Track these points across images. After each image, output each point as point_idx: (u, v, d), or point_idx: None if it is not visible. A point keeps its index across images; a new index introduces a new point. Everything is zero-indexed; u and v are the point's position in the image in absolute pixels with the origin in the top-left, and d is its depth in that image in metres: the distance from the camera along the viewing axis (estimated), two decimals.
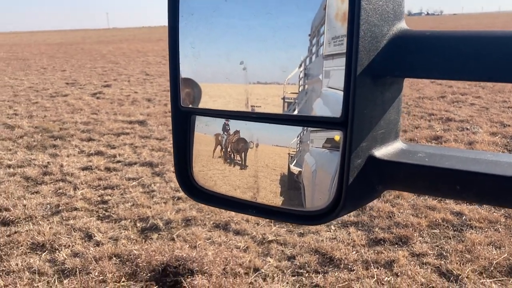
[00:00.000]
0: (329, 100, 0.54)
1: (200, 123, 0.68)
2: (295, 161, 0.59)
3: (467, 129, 7.20)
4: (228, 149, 0.67)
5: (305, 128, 0.58)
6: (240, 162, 0.66)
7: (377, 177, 0.54)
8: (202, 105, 0.66)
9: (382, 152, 0.54)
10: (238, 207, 0.65)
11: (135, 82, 14.37)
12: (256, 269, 3.43)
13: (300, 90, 0.56)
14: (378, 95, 0.53)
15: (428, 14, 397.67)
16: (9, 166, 6.22)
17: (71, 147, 7.11)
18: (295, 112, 0.57)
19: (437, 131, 7.09)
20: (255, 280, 3.28)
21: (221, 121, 0.66)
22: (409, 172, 0.53)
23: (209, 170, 0.69)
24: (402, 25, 0.53)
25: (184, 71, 0.65)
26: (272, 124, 0.60)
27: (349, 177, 0.52)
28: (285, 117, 0.58)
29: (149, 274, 3.43)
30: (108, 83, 14.35)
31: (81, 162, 6.29)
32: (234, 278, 3.29)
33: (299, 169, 0.59)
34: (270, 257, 3.61)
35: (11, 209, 4.69)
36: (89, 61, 23.41)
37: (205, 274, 3.34)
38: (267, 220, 4.12)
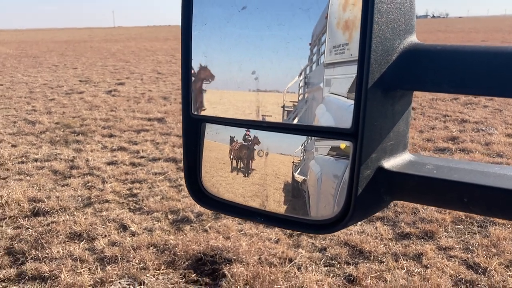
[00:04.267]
0: (332, 108, 0.55)
1: (211, 130, 0.69)
2: (299, 170, 0.60)
3: (482, 130, 7.32)
4: (231, 157, 0.68)
5: (310, 136, 0.59)
6: (244, 170, 0.67)
7: (385, 188, 0.55)
8: (213, 113, 0.67)
9: (391, 163, 0.55)
10: (246, 214, 0.66)
11: (148, 81, 14.53)
12: (289, 259, 3.57)
13: (300, 98, 0.57)
14: (388, 108, 0.53)
15: (433, 16, 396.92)
16: (35, 160, 6.38)
17: (93, 142, 7.27)
18: (295, 121, 0.58)
19: (453, 132, 7.21)
20: (290, 270, 3.42)
21: (232, 129, 0.67)
22: (417, 184, 0.53)
23: (217, 177, 0.70)
24: (413, 38, 0.53)
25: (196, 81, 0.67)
26: (277, 133, 0.61)
27: (358, 187, 0.52)
28: (295, 127, 0.58)
29: (186, 263, 3.58)
30: (121, 81, 14.52)
31: (106, 157, 6.45)
32: (270, 267, 3.43)
33: (303, 177, 0.59)
34: (302, 249, 3.75)
35: (45, 200, 4.85)
36: (99, 59, 23.62)
37: (242, 263, 3.48)
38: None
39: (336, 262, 3.57)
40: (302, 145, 0.59)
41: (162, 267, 3.54)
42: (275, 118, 0.60)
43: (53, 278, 3.42)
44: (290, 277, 3.31)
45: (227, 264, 3.49)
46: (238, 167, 0.67)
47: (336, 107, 0.54)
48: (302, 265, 3.49)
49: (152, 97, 11.37)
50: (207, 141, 0.69)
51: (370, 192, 0.53)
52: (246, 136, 0.66)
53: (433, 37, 35.47)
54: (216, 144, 0.69)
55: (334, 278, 3.34)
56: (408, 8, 0.53)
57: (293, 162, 0.60)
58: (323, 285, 3.22)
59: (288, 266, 3.47)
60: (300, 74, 0.56)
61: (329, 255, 3.66)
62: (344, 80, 0.52)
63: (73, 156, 6.50)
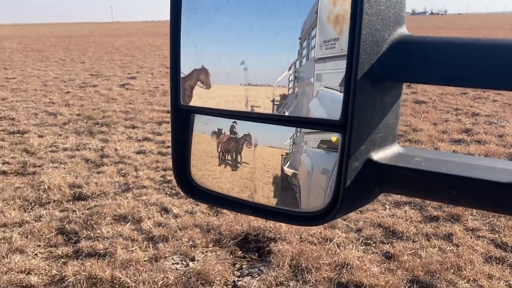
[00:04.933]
0: (325, 101, 0.54)
1: (199, 121, 0.69)
2: (288, 163, 0.60)
3: (494, 123, 7.57)
4: (219, 149, 0.67)
5: (298, 129, 0.59)
6: (232, 163, 0.66)
7: (374, 180, 0.54)
8: (202, 104, 0.66)
9: (380, 155, 0.55)
10: (235, 206, 0.66)
11: (159, 75, 14.74)
12: (328, 239, 3.82)
13: (289, 92, 0.57)
14: (377, 99, 0.53)
15: (432, 13, 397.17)
16: (65, 149, 6.61)
17: (118, 133, 7.49)
18: (287, 114, 0.58)
19: (466, 125, 7.46)
20: (331, 247, 3.67)
21: (220, 120, 0.66)
22: (406, 176, 0.53)
23: (206, 169, 0.69)
24: (403, 30, 0.53)
25: (185, 70, 0.66)
26: (266, 125, 0.61)
27: (346, 179, 0.52)
28: (284, 118, 0.58)
29: (232, 241, 3.82)
30: (132, 75, 14.72)
31: (134, 146, 6.68)
32: (312, 245, 3.68)
33: (292, 171, 0.59)
34: (338, 230, 3.99)
35: (85, 186, 5.08)
36: (104, 53, 23.77)
37: (285, 241, 3.72)
38: None
39: (372, 242, 3.82)
40: (291, 138, 0.59)
41: (210, 245, 3.79)
42: (265, 110, 0.59)
43: (109, 254, 3.65)
44: (332, 254, 3.55)
45: (271, 242, 3.74)
46: (226, 160, 0.67)
47: (328, 100, 0.54)
48: (341, 244, 3.74)
49: (166, 91, 11.58)
50: (196, 132, 0.69)
51: (359, 184, 0.53)
52: (233, 128, 0.65)
53: (434, 33, 35.71)
54: (204, 135, 0.68)
55: (373, 255, 3.59)
56: (398, 0, 0.53)
57: (282, 155, 0.60)
58: (363, 260, 3.46)
59: (329, 244, 3.72)
60: (290, 68, 0.56)
61: (365, 235, 3.91)
62: (335, 75, 0.52)
63: (101, 146, 6.72)
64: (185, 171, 0.70)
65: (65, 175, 5.45)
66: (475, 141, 6.50)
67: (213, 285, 3.27)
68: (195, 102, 0.66)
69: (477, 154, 5.90)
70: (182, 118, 0.68)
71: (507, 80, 0.46)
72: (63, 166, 5.85)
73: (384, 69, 0.51)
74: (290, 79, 0.56)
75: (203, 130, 0.69)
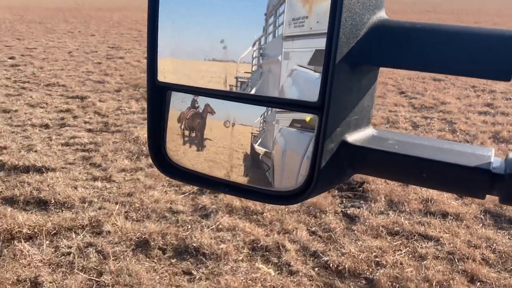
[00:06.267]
0: (299, 81, 0.55)
1: (176, 99, 0.68)
2: (259, 141, 0.60)
3: (511, 99, 8.50)
4: (182, 126, 0.66)
5: (270, 108, 0.59)
6: (197, 142, 0.66)
7: (348, 161, 0.56)
8: (179, 81, 0.65)
9: (354, 137, 0.56)
10: (211, 184, 0.66)
11: None
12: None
13: (254, 69, 0.57)
14: (355, 82, 0.54)
15: None
16: (133, 113, 7.24)
17: None
18: (252, 92, 0.58)
19: (488, 100, 8.37)
20: (416, 188, 4.50)
21: (198, 98, 0.66)
22: (378, 158, 0.55)
23: (180, 147, 0.69)
24: (382, 14, 0.53)
25: (163, 46, 0.64)
26: (239, 104, 0.61)
27: (321, 160, 0.53)
28: (262, 99, 0.58)
29: None
30: None
31: None
32: (398, 187, 4.51)
33: (264, 149, 0.60)
34: None
35: None
36: (109, 27, 23.94)
37: (375, 183, 4.54)
38: None
39: None
40: (261, 116, 0.59)
41: None
42: (232, 88, 0.59)
43: None
44: (417, 192, 4.39)
45: (362, 185, 4.55)
46: (190, 138, 0.66)
47: (303, 80, 0.54)
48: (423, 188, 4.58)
49: None
50: (172, 109, 0.68)
51: (333, 165, 0.54)
52: (194, 103, 0.65)
53: (424, 17, 36.57)
54: (180, 113, 0.68)
55: (448, 194, 4.44)
56: None
57: (251, 133, 0.60)
58: (444, 197, 4.31)
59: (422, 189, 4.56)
60: (254, 44, 0.56)
61: None
62: (304, 53, 0.53)
63: None
64: (160, 149, 0.70)
65: None
66: (500, 113, 7.40)
67: (327, 213, 4.08)
68: (172, 79, 0.66)
69: (505, 124, 6.79)
70: (159, 95, 0.68)
71: (484, 68, 0.47)
72: (142, 126, 6.51)
73: (363, 53, 0.51)
74: (254, 55, 0.56)
75: (179, 107, 0.67)
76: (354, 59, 0.51)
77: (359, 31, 0.51)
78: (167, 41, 0.64)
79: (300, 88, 0.55)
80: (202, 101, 0.65)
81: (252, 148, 0.60)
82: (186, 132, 0.67)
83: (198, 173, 0.66)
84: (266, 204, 3.79)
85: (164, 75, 0.65)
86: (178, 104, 0.67)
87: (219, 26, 0.59)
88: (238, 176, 0.63)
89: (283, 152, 0.59)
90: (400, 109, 7.73)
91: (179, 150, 0.69)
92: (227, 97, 0.61)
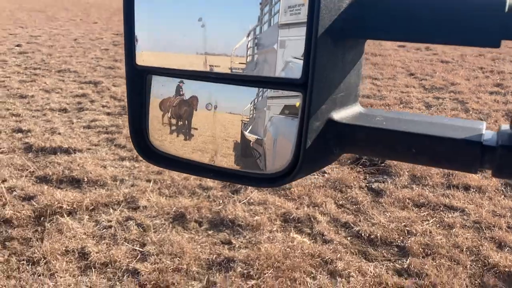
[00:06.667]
0: (289, 67, 0.54)
1: (157, 83, 0.65)
2: (250, 128, 0.58)
3: None
4: (168, 115, 0.64)
5: (260, 94, 0.57)
6: (185, 131, 0.64)
7: (335, 140, 0.54)
8: (159, 63, 0.63)
9: (341, 115, 0.54)
10: (196, 170, 0.64)
11: None
12: None
13: (248, 60, 0.55)
14: (339, 57, 0.52)
15: None
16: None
17: None
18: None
19: (497, 80, 8.47)
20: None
21: (178, 81, 0.63)
22: (367, 135, 0.53)
23: (166, 135, 0.67)
24: None
25: (140, 27, 0.62)
26: (226, 88, 0.59)
27: (307, 140, 0.51)
28: (244, 78, 0.57)
29: (348, 161, 4.74)
30: None
31: None
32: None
33: (255, 137, 0.58)
34: None
35: None
36: (110, 14, 23.85)
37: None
38: None
39: None
40: (251, 102, 0.58)
41: (333, 163, 4.70)
42: (223, 70, 0.57)
43: None
44: (441, 171, 4.51)
45: (382, 162, 4.67)
46: (178, 126, 0.64)
47: (290, 59, 0.53)
48: None
49: None
50: (153, 94, 0.66)
51: (320, 145, 0.53)
52: (179, 90, 0.63)
53: None
54: (162, 98, 0.65)
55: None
56: None
57: (242, 121, 0.59)
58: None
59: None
60: (249, 34, 0.54)
61: None
62: (300, 42, 0.51)
63: None
64: (143, 136, 0.68)
65: None
66: (510, 93, 7.51)
67: (352, 188, 4.20)
68: (151, 62, 0.64)
69: None
70: (139, 79, 0.65)
71: (472, 36, 0.46)
72: None
73: (346, 26, 0.50)
74: (248, 46, 0.55)
75: (160, 92, 0.65)
76: (337, 33, 0.50)
77: (341, 3, 0.49)
78: (144, 22, 0.62)
79: (286, 67, 0.54)
80: (187, 88, 0.63)
81: (243, 135, 0.59)
82: (173, 121, 0.65)
83: (182, 159, 0.65)
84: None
85: (143, 58, 0.63)
86: (159, 88, 0.66)
87: (196, 5, 0.58)
88: (226, 162, 0.62)
89: (275, 141, 0.58)
90: (411, 90, 7.83)
91: (165, 139, 0.67)
92: (209, 78, 0.60)
